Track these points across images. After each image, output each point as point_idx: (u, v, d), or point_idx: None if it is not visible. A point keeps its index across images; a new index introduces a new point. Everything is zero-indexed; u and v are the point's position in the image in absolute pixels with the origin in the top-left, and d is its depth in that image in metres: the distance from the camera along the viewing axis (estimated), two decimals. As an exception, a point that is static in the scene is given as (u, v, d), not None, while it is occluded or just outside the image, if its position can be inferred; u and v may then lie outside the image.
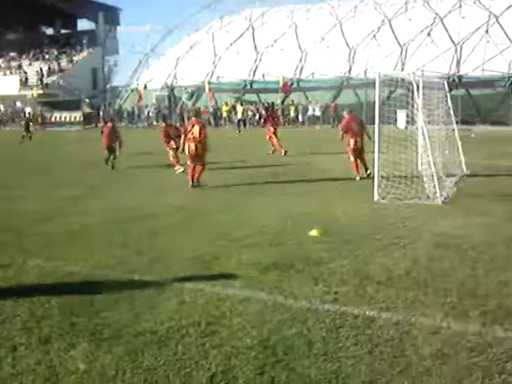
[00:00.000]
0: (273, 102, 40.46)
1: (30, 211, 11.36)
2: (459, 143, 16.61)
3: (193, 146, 14.23)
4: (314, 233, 8.80)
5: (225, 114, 48.44)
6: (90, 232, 9.45)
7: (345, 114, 16.34)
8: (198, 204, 11.81)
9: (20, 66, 66.84)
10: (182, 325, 5.44)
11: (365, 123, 16.10)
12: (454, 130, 16.76)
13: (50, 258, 7.89)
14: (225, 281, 6.69)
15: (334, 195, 12.58)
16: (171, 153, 17.84)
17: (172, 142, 17.50)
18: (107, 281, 6.83)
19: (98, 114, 52.69)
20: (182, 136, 14.78)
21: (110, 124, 20.56)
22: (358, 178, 14.93)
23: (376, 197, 11.78)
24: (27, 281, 6.92)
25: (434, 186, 11.73)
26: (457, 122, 18.46)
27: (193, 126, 14.56)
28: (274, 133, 23.08)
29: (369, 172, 14.68)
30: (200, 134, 14.27)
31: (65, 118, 54.88)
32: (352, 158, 15.25)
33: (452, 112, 16.81)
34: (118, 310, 5.84)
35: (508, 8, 46.43)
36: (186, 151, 14.45)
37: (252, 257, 7.64)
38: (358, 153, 15.23)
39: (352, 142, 15.17)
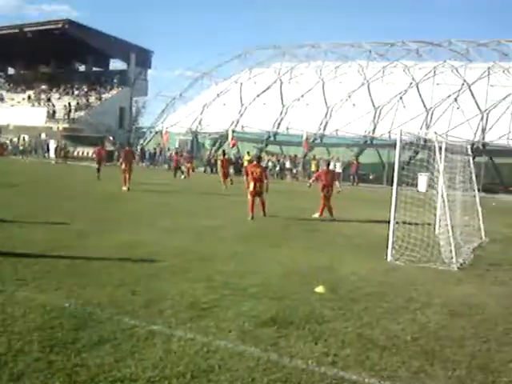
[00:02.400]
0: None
1: (35, 240, 11.08)
2: (480, 210, 16.17)
3: (256, 184, 17.24)
4: (320, 289, 8.38)
5: (246, 164, 48.33)
6: (89, 267, 9.11)
7: (323, 167, 20.14)
8: (206, 248, 11.41)
9: (49, 99, 67.86)
10: (165, 375, 5.04)
11: (338, 176, 20.03)
12: (475, 196, 16.33)
13: (42, 290, 7.57)
14: (218, 332, 6.28)
15: (346, 252, 12.11)
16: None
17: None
18: (95, 320, 6.45)
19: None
20: (245, 175, 17.95)
21: (127, 148, 26.90)
22: (316, 215, 18.11)
23: (389, 257, 11.33)
24: (12, 312, 6.57)
25: (451, 251, 11.28)
26: (479, 190, 18.08)
27: (255, 167, 17.68)
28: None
29: (333, 218, 17.94)
30: (261, 175, 17.49)
31: (87, 153, 55.21)
32: (322, 202, 18.27)
33: (474, 178, 16.40)
34: (100, 352, 5.46)
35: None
36: (251, 188, 17.22)
37: (252, 309, 7.23)
38: (328, 199, 18.31)
39: (325, 190, 18.38)
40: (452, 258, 11.19)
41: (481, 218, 16.06)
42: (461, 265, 11.25)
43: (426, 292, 8.86)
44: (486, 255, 13.00)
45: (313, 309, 7.42)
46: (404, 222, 12.39)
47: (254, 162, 18.38)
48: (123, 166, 24.89)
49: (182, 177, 35.85)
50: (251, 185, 17.27)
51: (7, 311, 6.59)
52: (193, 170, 38.35)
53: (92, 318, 6.53)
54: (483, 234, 15.80)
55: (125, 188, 24.23)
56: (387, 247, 11.46)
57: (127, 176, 24.63)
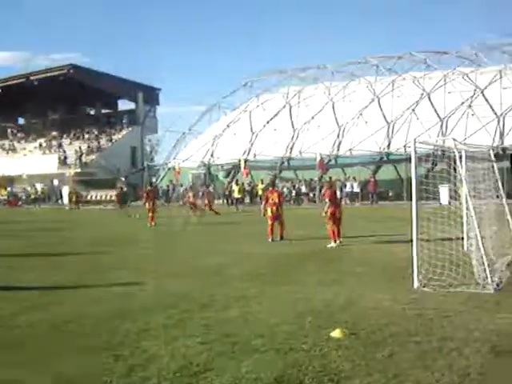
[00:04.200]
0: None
1: (20, 298, 9.94)
2: (510, 219, 14.79)
3: (274, 208, 18.35)
4: (336, 333, 7.10)
5: (260, 192, 47.20)
6: (69, 329, 7.91)
7: (325, 188, 18.51)
8: (209, 292, 10.17)
9: (60, 145, 67.73)
10: None
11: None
12: (502, 204, 14.96)
13: (7, 362, 6.40)
14: (209, 407, 5.05)
15: (365, 283, 10.76)
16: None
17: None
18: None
19: (135, 191, 52.10)
20: (263, 202, 19.12)
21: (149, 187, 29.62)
22: (333, 245, 16.34)
23: (416, 284, 9.99)
24: None
25: (485, 270, 9.94)
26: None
27: (272, 193, 18.87)
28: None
29: (341, 240, 16.68)
30: (279, 199, 18.73)
31: (101, 196, 54.64)
32: (329, 227, 16.71)
33: (500, 185, 15.05)
34: None
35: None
36: (269, 213, 18.32)
37: (253, 368, 5.98)
38: (338, 222, 16.84)
39: (336, 211, 16.84)
40: (486, 277, 9.86)
41: (511, 227, 14.70)
42: (497, 285, 9.90)
43: (462, 324, 7.54)
44: (524, 270, 11.64)
45: (328, 361, 6.13)
46: (428, 240, 11.08)
47: (270, 188, 19.50)
48: (147, 206, 26.69)
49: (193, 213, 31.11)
50: (269, 210, 18.41)
51: None
52: (210, 207, 33.14)
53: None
54: (516, 245, 14.43)
55: (150, 224, 25.84)
56: (412, 272, 10.15)
57: (151, 215, 26.16)
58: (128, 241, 20.24)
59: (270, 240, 18.07)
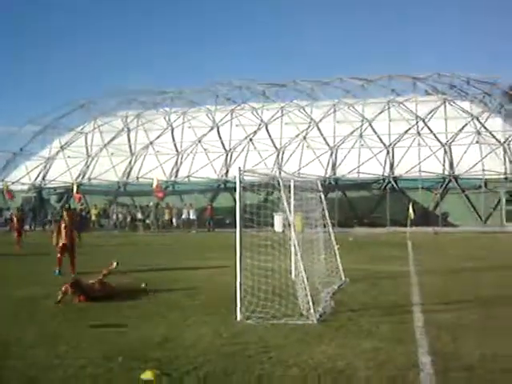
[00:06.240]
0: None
1: None
2: (336, 248, 15.05)
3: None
4: (147, 375, 6.43)
5: (94, 218, 45.43)
6: None
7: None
8: None
9: None
10: None
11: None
12: (329, 233, 15.21)
13: None
14: None
15: (186, 316, 10.09)
16: None
17: None
18: None
19: None
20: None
21: None
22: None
23: (238, 316, 9.58)
24: None
25: (308, 302, 9.77)
26: (333, 225, 17.12)
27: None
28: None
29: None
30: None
31: None
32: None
33: (327, 214, 15.31)
34: None
35: (380, 113, 47.90)
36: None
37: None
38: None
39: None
40: (310, 309, 9.70)
41: (338, 256, 14.96)
42: (320, 316, 9.78)
43: (281, 360, 7.18)
44: (348, 299, 11.75)
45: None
46: (254, 269, 10.79)
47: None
48: None
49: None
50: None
51: None
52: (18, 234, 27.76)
53: None
54: (342, 273, 14.68)
55: None
56: (236, 304, 9.73)
57: None
58: None
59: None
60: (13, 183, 52.19)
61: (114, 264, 13.22)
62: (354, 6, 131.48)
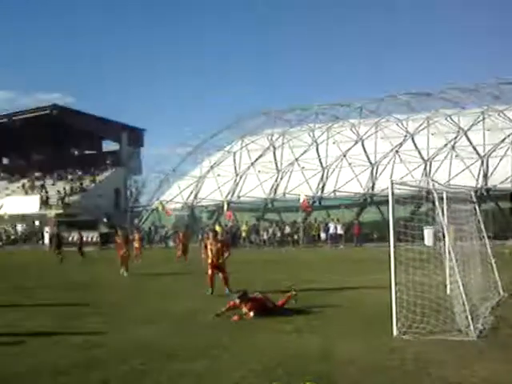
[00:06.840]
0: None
1: None
2: (493, 261, 14.41)
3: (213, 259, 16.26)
4: (308, 388, 6.60)
5: (243, 234, 46.68)
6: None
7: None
8: (178, 340, 9.61)
9: (43, 186, 66.87)
10: None
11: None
12: (486, 246, 14.60)
13: None
14: None
15: (342, 331, 10.20)
16: None
17: None
18: None
19: (116, 233, 51.06)
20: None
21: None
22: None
23: (394, 332, 9.50)
24: None
25: (467, 317, 9.48)
26: (489, 237, 16.38)
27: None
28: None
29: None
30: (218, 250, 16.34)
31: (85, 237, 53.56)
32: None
33: (483, 226, 14.70)
34: None
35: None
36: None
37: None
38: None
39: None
40: (469, 325, 9.40)
41: (495, 270, 14.32)
42: (480, 332, 9.44)
43: (442, 376, 7.06)
44: (508, 315, 11.22)
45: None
46: (409, 284, 10.62)
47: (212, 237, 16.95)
48: (122, 251, 23.34)
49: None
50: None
51: None
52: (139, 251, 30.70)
53: None
54: (501, 288, 14.03)
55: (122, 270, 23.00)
56: (391, 319, 9.65)
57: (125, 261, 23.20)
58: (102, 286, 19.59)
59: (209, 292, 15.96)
60: (167, 202, 55.06)
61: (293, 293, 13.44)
62: None
